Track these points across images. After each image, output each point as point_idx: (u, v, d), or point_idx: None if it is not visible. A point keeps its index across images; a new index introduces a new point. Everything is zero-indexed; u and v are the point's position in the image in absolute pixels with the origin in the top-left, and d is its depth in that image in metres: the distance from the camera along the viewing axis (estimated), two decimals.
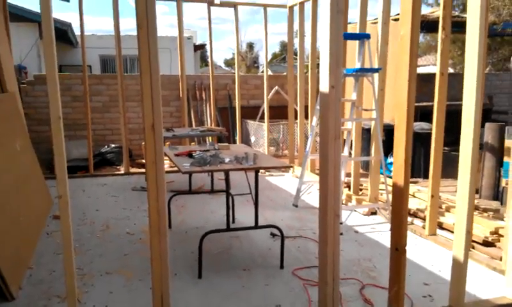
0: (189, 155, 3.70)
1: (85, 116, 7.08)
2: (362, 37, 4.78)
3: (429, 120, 7.14)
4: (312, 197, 5.84)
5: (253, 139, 9.41)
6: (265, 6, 7.32)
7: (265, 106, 7.85)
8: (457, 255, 2.83)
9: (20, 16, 11.05)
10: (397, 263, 2.68)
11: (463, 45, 12.20)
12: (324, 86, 2.38)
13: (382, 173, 5.10)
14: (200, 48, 18.96)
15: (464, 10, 11.99)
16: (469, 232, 2.77)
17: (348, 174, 5.76)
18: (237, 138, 7.93)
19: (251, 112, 9.74)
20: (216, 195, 5.67)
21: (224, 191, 3.52)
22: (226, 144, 4.36)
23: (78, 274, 3.44)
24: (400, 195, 2.62)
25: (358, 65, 4.88)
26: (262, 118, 9.27)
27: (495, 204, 5.51)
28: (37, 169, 4.92)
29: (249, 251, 3.96)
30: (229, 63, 42.70)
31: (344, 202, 5.41)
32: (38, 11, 10.17)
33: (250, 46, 40.31)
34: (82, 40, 6.87)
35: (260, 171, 7.31)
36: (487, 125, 5.95)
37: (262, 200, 5.64)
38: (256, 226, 3.65)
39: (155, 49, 1.95)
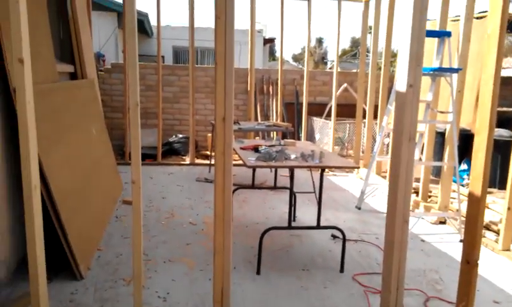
0: (255, 149, 3.69)
1: (156, 105, 7.31)
2: (442, 35, 4.52)
3: (509, 127, 6.69)
4: (376, 200, 5.66)
5: (317, 136, 9.28)
6: (339, 0, 7.16)
7: (333, 103, 7.70)
8: None
9: (101, 4, 11.62)
10: (467, 277, 2.51)
11: None
12: (402, 85, 2.27)
13: (455, 181, 4.83)
14: (269, 42, 18.99)
15: None
16: None
17: (416, 180, 5.51)
18: (302, 134, 7.85)
19: (318, 109, 9.60)
20: (277, 192, 5.65)
21: (287, 188, 3.48)
22: (292, 140, 4.31)
23: (143, 259, 3.55)
24: (476, 205, 2.44)
25: (436, 64, 4.63)
26: (329, 115, 9.11)
27: None
28: (110, 154, 5.15)
29: (309, 251, 3.90)
30: (297, 58, 42.48)
31: (411, 208, 5.18)
32: (118, 0, 10.63)
33: (319, 41, 39.89)
34: (158, 30, 7.10)
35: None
36: None
37: (324, 200, 5.53)
38: (318, 226, 3.58)
39: (232, 41, 1.95)
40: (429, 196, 5.52)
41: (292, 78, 9.57)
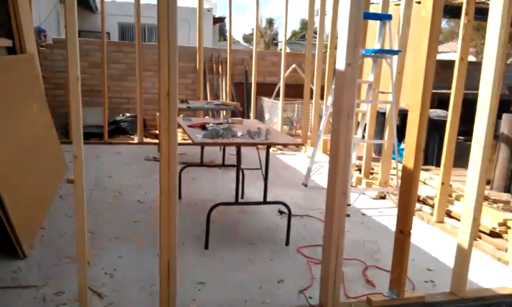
0: (203, 127, 3.72)
1: (102, 83, 7.11)
2: (383, 18, 4.71)
3: (447, 108, 7.05)
4: (322, 177, 5.85)
5: (267, 116, 9.39)
6: None
7: (282, 84, 7.82)
8: (462, 242, 2.84)
9: None
10: (401, 246, 2.70)
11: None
12: (341, 64, 2.37)
13: (394, 158, 5.09)
14: (219, 21, 18.81)
15: None
16: (476, 219, 2.78)
17: (360, 158, 5.75)
18: (252, 114, 7.92)
19: (267, 89, 9.69)
20: (226, 169, 5.71)
21: (235, 166, 3.55)
22: (240, 118, 4.37)
23: (89, 237, 3.52)
24: (409, 178, 2.62)
25: (377, 46, 4.82)
26: (278, 95, 9.23)
27: (506, 196, 5.47)
28: (53, 132, 5.00)
29: (257, 226, 4.01)
30: (247, 39, 42.31)
31: (353, 185, 5.41)
32: None
33: (270, 22, 39.87)
34: (102, 6, 6.87)
35: (272, 149, 7.36)
36: (504, 115, 5.86)
37: (272, 178, 5.65)
38: (265, 202, 3.69)
39: (174, 17, 1.95)
40: (371, 173, 5.77)
41: (241, 58, 9.59)
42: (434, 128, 6.84)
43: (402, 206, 2.69)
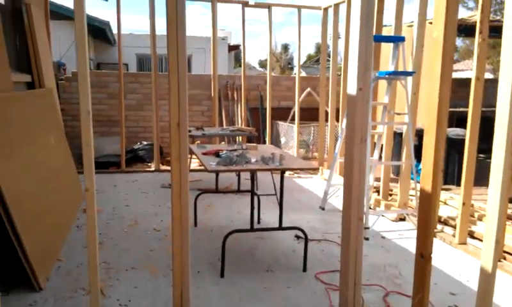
0: (216, 154, 3.72)
1: (119, 113, 7.22)
2: (396, 40, 4.69)
3: (465, 126, 6.94)
4: (339, 200, 5.77)
5: (283, 140, 9.38)
6: (299, 8, 7.30)
7: (297, 107, 7.83)
8: (485, 265, 2.72)
9: (61, 14, 11.43)
10: (422, 270, 2.61)
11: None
12: (352, 88, 2.35)
13: (413, 179, 4.99)
14: (234, 48, 19.06)
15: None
16: (499, 241, 2.67)
17: (377, 179, 5.66)
18: (267, 139, 7.92)
19: (282, 113, 9.72)
20: (242, 195, 5.69)
21: (250, 191, 3.52)
22: (254, 144, 4.36)
23: (104, 267, 3.52)
24: (428, 200, 2.54)
25: (391, 68, 4.79)
26: (293, 119, 9.24)
27: None
28: (70, 163, 5.06)
29: (273, 253, 3.95)
30: (263, 64, 42.80)
31: (372, 207, 5.32)
32: None
33: (285, 47, 40.27)
34: (119, 38, 7.04)
35: (289, 172, 7.33)
36: None
37: (288, 202, 5.62)
38: (280, 228, 3.64)
39: (183, 47, 1.97)
40: (390, 195, 5.67)
41: (256, 83, 9.65)
42: (453, 147, 6.73)
43: (421, 229, 2.61)
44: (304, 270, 3.58)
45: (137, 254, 3.80)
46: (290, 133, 9.20)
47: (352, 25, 2.30)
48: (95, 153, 7.15)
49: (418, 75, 4.76)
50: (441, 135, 2.47)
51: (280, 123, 9.53)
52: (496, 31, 6.92)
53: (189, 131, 5.98)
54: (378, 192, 5.65)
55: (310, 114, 9.42)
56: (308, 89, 9.57)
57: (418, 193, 4.72)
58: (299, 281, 3.41)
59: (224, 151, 3.73)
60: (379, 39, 4.70)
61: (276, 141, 9.74)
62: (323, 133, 7.63)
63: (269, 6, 7.16)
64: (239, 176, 5.09)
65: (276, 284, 3.32)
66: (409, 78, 4.71)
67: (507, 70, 2.51)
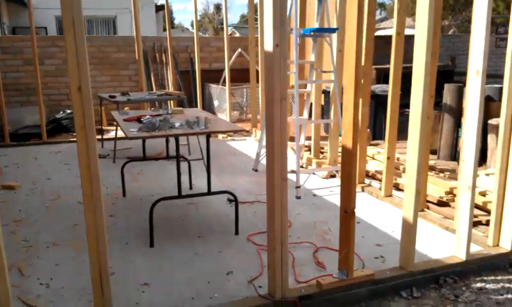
0: (139, 120, 3.53)
1: (35, 79, 6.70)
2: None
3: None
4: None
5: (216, 103, 9.23)
6: None
7: (226, 69, 7.67)
8: (407, 216, 2.83)
9: None
10: (346, 225, 2.66)
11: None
12: (268, 45, 2.26)
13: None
14: (161, 8, 18.28)
15: None
16: (418, 192, 2.77)
17: (309, 138, 5.72)
18: (198, 102, 7.73)
19: (215, 75, 9.53)
20: (174, 161, 5.51)
21: (180, 157, 3.40)
22: (180, 108, 4.21)
23: (23, 245, 3.31)
24: (349, 157, 2.56)
25: (316, 25, 4.75)
26: (225, 81, 9.09)
27: (452, 164, 5.60)
28: None
29: (205, 218, 3.89)
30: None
31: (304, 165, 5.39)
32: None
33: (217, 7, 39.39)
34: None
35: (222, 135, 7.23)
36: (446, 86, 5.98)
37: (222, 165, 5.57)
38: (209, 193, 3.56)
39: (79, 4, 1.77)
40: (322, 153, 5.76)
41: (185, 45, 9.33)
42: (381, 103, 6.91)
43: (344, 186, 2.64)
44: (237, 233, 3.56)
45: (60, 230, 3.59)
46: (222, 96, 9.05)
47: None
48: (14, 125, 6.64)
49: (343, 32, 4.76)
50: (358, 91, 2.46)
51: (212, 85, 9.34)
52: None
53: (114, 97, 5.69)
54: (310, 150, 5.72)
55: (242, 75, 9.31)
56: (239, 50, 9.40)
57: None
58: (231, 244, 3.38)
59: (147, 117, 3.55)
60: None
61: (209, 104, 9.57)
62: (255, 95, 7.56)
63: None
64: (167, 141, 4.91)
65: (207, 250, 3.28)
66: (334, 36, 4.70)
67: (423, 22, 2.53)
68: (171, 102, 7.52)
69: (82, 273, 2.90)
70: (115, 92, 6.69)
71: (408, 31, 5.18)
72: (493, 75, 11.12)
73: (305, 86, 5.42)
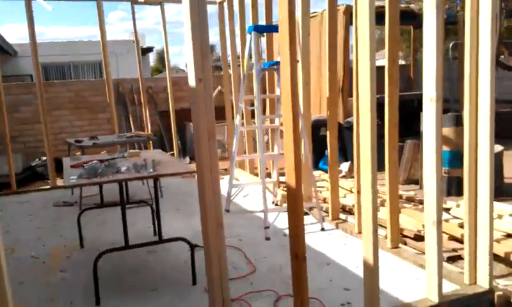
0: (84, 165, 3.32)
1: (2, 127, 6.51)
2: (273, 30, 4.51)
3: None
4: (247, 200, 5.55)
5: None
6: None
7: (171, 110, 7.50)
8: (367, 257, 2.57)
9: None
10: (298, 272, 2.41)
11: (409, 36, 12.24)
12: (191, 80, 2.07)
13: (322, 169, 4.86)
14: (148, 51, 18.41)
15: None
16: (376, 231, 2.52)
17: (283, 174, 5.49)
18: (174, 143, 7.54)
19: None
20: (140, 206, 5.24)
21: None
22: (137, 150, 4.02)
23: None
24: (294, 197, 2.34)
25: (278, 59, 4.60)
26: None
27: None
28: None
29: (163, 267, 3.62)
30: None
31: (278, 203, 5.14)
32: None
33: (211, 47, 39.92)
34: None
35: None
36: (421, 114, 5.80)
37: (193, 207, 5.31)
38: (160, 240, 3.31)
39: None
40: None
41: (164, 85, 9.21)
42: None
43: (292, 229, 2.40)
44: (194, 283, 3.28)
45: None
46: None
47: (184, 11, 2.01)
48: None
49: (307, 65, 4.61)
50: (297, 126, 2.26)
51: (192, 124, 9.18)
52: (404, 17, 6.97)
53: (81, 141, 5.50)
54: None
55: (223, 112, 9.15)
56: (219, 87, 9.29)
57: (325, 182, 4.59)
58: (185, 297, 3.11)
59: (94, 162, 3.33)
60: (259, 29, 4.49)
61: (190, 144, 9.39)
62: (232, 132, 7.37)
63: (160, 3, 6.78)
64: (126, 186, 4.58)
65: (158, 305, 3.00)
66: (299, 69, 4.53)
67: (364, 53, 2.36)
68: (148, 142, 7.34)
69: None
70: (82, 137, 6.54)
71: (379, 62, 5.05)
72: None
73: (272, 121, 5.24)
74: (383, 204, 4.56)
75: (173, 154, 7.60)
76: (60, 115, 8.69)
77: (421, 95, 2.65)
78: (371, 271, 2.57)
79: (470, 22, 2.72)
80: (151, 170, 3.14)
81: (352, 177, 6.14)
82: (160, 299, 3.09)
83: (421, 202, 4.88)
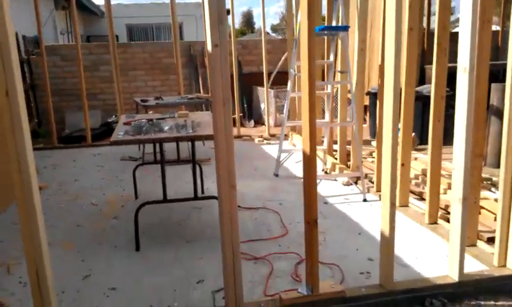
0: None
1: (79, 85, 7.08)
2: None
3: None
4: (298, 166, 5.60)
5: (262, 106, 9.17)
6: None
7: (264, 71, 7.58)
8: (384, 230, 2.58)
9: None
10: (309, 237, 2.48)
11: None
12: (209, 45, 2.16)
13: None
14: (227, 13, 18.58)
15: None
16: (393, 204, 2.50)
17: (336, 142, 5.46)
18: (236, 107, 7.70)
19: (263, 78, 9.47)
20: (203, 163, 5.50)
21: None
22: (186, 112, 4.20)
23: (18, 247, 3.47)
24: (308, 165, 2.38)
25: (333, 23, 4.51)
26: (274, 84, 9.00)
27: (498, 172, 5.04)
28: None
29: (204, 223, 3.85)
30: (275, 28, 41.89)
31: (328, 171, 5.15)
32: None
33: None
34: (72, 6, 6.85)
35: (258, 138, 7.14)
36: (493, 85, 5.41)
37: (246, 169, 5.50)
38: (196, 197, 3.51)
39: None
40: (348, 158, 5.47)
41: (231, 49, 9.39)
42: (428, 105, 6.40)
43: (306, 195, 2.45)
44: None
45: (60, 231, 3.73)
46: (269, 99, 8.98)
47: None
48: (72, 128, 7.03)
49: (364, 31, 4.47)
50: (313, 92, 2.27)
51: (259, 88, 9.29)
52: None
53: (145, 100, 5.85)
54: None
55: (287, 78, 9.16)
56: (287, 52, 9.26)
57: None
58: (214, 250, 3.28)
59: (142, 120, 3.58)
60: None
61: (257, 108, 9.54)
62: (293, 97, 7.39)
63: None
64: (177, 144, 4.80)
65: (189, 255, 3.23)
66: (347, 34, 4.41)
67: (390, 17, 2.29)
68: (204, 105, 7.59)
69: (62, 273, 2.97)
70: (166, 96, 6.94)
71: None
72: None
73: (325, 88, 5.18)
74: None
75: (238, 117, 7.78)
76: (136, 75, 9.20)
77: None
78: (387, 244, 2.58)
79: None
80: (190, 130, 3.31)
81: (416, 149, 5.96)
82: (193, 249, 3.32)
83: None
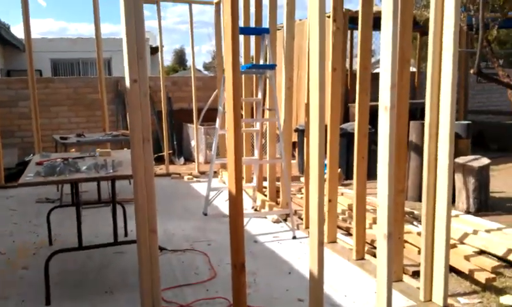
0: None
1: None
2: (261, 31, 4.46)
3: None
4: (227, 204, 5.47)
5: (193, 143, 9.02)
6: (190, 2, 6.97)
7: (194, 107, 7.50)
8: (313, 271, 2.51)
9: None
10: (237, 283, 2.35)
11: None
12: (127, 80, 2.03)
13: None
14: (156, 51, 18.46)
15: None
16: (322, 243, 2.45)
17: (265, 178, 5.43)
18: (164, 144, 7.52)
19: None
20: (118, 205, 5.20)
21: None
22: (108, 150, 3.98)
23: None
24: (235, 206, 2.29)
25: (261, 62, 4.55)
26: (205, 121, 8.91)
27: (419, 205, 5.24)
28: None
29: (125, 269, 3.58)
30: (207, 67, 42.14)
31: (257, 208, 5.08)
32: None
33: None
34: None
35: (187, 177, 6.97)
36: (411, 123, 5.69)
37: (174, 209, 5.30)
38: (115, 243, 3.28)
39: None
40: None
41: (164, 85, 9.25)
42: (353, 142, 6.62)
43: (232, 238, 2.34)
44: None
45: None
46: (199, 135, 8.87)
47: (121, 10, 1.98)
48: None
49: (291, 69, 4.55)
50: (238, 130, 2.20)
51: (190, 125, 9.16)
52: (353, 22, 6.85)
53: (66, 138, 5.51)
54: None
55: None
56: (216, 90, 9.28)
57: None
58: (137, 301, 3.05)
59: (58, 160, 3.32)
60: (244, 31, 4.45)
61: (187, 145, 9.38)
62: (223, 134, 7.35)
63: (157, 2, 6.76)
64: (98, 185, 4.50)
65: None
66: (274, 72, 4.44)
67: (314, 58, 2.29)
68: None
69: None
70: (90, 132, 6.59)
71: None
72: (476, 110, 10.83)
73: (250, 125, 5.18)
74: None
75: (166, 155, 7.58)
76: (58, 111, 8.74)
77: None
78: (316, 284, 2.51)
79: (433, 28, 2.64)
80: (111, 170, 3.11)
81: (343, 185, 6.08)
82: (112, 301, 3.05)
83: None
